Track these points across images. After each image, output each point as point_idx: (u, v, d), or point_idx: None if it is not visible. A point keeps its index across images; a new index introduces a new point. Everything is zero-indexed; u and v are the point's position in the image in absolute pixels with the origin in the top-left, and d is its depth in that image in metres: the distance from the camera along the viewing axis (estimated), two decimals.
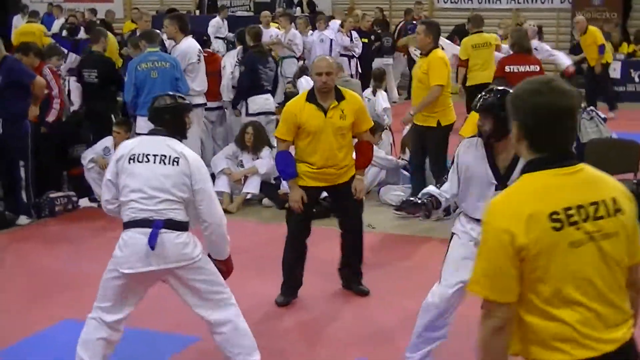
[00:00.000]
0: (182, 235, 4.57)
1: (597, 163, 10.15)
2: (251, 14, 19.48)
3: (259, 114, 9.87)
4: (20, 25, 16.26)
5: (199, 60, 9.34)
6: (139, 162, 4.62)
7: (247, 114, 9.88)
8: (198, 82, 9.37)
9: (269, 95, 10.09)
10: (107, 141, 9.11)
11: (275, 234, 7.03)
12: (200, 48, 9.52)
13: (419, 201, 4.86)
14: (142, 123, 8.78)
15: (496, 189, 4.64)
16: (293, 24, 14.91)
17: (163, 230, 4.50)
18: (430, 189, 4.95)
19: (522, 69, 9.44)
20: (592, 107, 9.41)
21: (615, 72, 16.56)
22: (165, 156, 4.61)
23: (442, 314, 4.87)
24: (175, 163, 4.60)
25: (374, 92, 11.12)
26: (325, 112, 6.02)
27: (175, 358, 5.39)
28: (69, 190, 9.33)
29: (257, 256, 7.18)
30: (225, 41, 16.58)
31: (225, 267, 4.83)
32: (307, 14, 17.78)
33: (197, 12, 21.27)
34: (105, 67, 9.72)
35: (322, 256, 6.74)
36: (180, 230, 4.57)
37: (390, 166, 9.36)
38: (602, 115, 9.21)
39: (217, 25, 16.98)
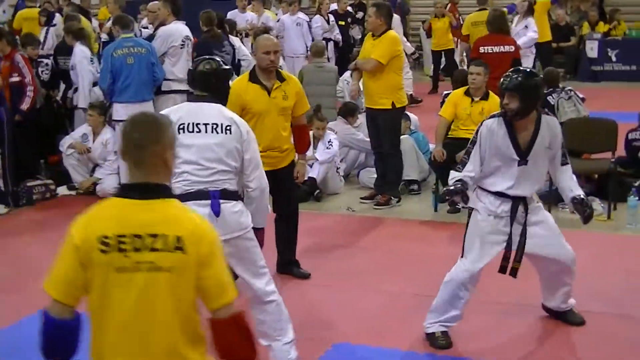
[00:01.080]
0: (238, 204, 4.51)
1: (575, 142, 10.09)
2: None
3: None
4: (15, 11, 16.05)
5: (182, 45, 9.15)
6: (189, 132, 4.48)
7: None
8: (179, 68, 9.21)
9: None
10: (85, 128, 9.12)
11: None
12: (188, 35, 9.25)
13: (456, 187, 4.88)
14: (120, 109, 8.71)
15: (518, 165, 4.86)
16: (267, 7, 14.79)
17: (220, 200, 4.43)
18: (455, 173, 5.01)
19: (496, 49, 9.44)
20: (570, 87, 9.43)
21: (592, 51, 16.60)
22: (216, 124, 4.49)
23: (465, 287, 4.97)
24: (227, 131, 4.49)
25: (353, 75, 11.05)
26: (269, 92, 5.97)
27: None
28: (46, 179, 9.26)
29: None
30: None
31: (261, 237, 4.75)
32: None
33: None
34: None
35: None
36: (235, 200, 4.51)
37: (369, 148, 9.34)
38: (580, 95, 9.23)
39: None
